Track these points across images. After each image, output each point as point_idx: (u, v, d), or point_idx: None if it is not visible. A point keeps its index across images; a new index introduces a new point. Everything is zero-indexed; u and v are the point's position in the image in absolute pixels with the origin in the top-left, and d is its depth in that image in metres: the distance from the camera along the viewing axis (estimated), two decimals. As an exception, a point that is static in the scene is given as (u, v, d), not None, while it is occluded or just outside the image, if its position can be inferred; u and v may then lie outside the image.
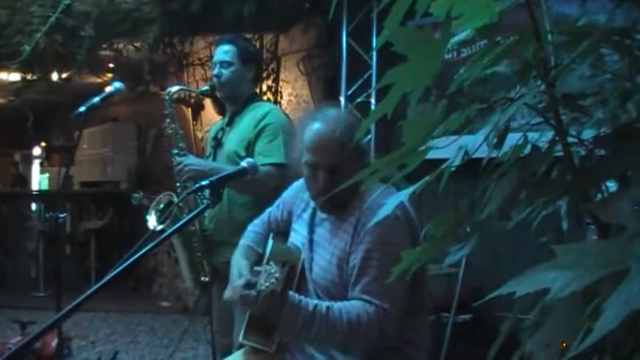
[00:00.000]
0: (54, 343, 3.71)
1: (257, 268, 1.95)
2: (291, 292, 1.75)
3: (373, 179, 0.90)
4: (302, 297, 1.77)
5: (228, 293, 1.92)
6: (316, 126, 1.88)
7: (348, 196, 1.84)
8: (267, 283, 1.70)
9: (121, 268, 1.59)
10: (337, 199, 1.62)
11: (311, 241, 1.95)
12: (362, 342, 1.74)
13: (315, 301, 1.76)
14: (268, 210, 2.21)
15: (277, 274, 1.74)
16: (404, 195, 0.94)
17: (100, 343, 5.12)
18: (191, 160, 2.68)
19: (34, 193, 9.04)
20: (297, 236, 2.02)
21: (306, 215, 2.01)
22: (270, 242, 2.04)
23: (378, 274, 1.73)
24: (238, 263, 2.01)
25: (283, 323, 1.73)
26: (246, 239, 2.17)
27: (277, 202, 2.18)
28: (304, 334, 1.73)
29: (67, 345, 4.06)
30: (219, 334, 2.82)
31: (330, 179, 1.84)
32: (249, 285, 1.78)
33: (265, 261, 1.96)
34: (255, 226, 2.21)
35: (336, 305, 1.75)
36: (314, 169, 1.88)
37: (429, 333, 1.93)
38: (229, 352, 2.31)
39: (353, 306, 1.75)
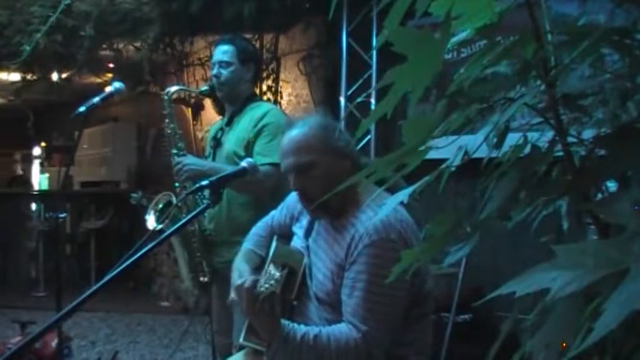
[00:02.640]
0: (54, 343, 3.70)
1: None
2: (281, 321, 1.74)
3: (371, 183, 0.90)
4: (290, 325, 1.75)
5: (232, 295, 1.91)
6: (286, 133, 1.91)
7: (338, 201, 1.80)
8: (266, 285, 1.70)
9: (121, 268, 1.59)
10: (325, 204, 1.57)
11: (308, 248, 1.95)
12: None
13: (304, 330, 1.74)
14: (272, 213, 2.21)
15: (277, 276, 1.74)
16: (403, 195, 0.94)
17: (100, 343, 5.11)
18: (190, 160, 2.68)
19: (34, 193, 9.02)
20: (298, 240, 2.02)
21: (305, 221, 2.01)
22: (274, 244, 2.04)
23: (367, 298, 1.72)
24: (239, 267, 2.02)
25: (271, 354, 1.73)
26: (248, 243, 2.17)
27: (281, 205, 2.18)
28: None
29: (67, 345, 4.05)
30: (219, 334, 2.82)
31: (298, 181, 1.85)
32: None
33: (268, 261, 1.96)
34: (258, 229, 2.21)
35: (324, 332, 1.74)
36: (286, 174, 1.90)
37: (430, 337, 1.92)
38: (229, 352, 2.31)
39: (341, 332, 1.73)
